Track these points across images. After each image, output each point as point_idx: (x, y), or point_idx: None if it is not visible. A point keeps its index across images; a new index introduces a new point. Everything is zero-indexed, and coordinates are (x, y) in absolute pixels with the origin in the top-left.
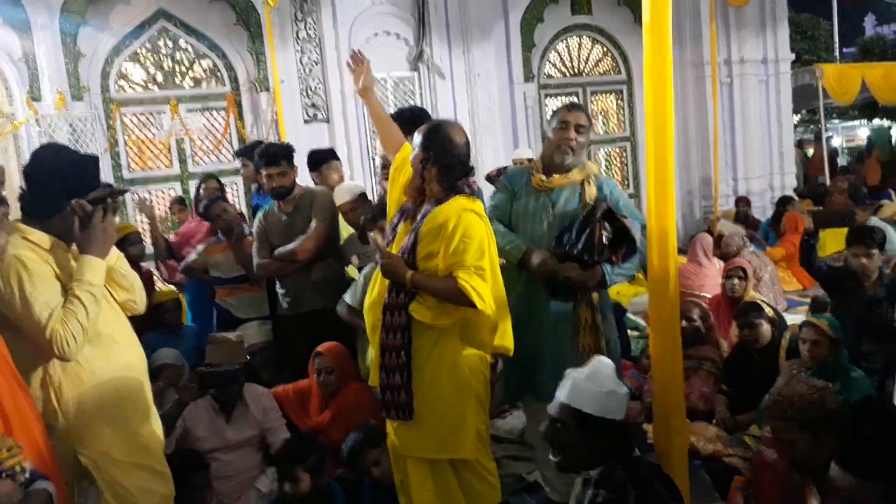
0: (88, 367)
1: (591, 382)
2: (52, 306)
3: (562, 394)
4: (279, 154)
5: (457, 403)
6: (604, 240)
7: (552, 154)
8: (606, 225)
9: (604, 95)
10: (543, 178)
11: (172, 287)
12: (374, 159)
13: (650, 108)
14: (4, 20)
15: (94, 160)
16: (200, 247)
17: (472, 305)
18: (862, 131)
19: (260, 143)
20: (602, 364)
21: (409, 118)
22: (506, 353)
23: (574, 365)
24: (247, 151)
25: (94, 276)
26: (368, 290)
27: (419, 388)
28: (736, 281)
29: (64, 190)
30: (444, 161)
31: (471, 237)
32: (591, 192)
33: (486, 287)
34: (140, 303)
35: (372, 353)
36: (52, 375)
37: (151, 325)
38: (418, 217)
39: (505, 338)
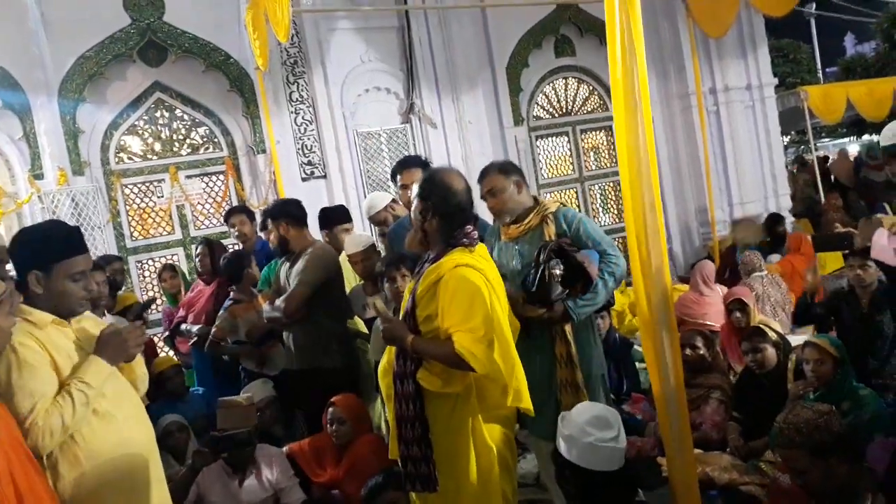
0: (86, 447)
1: (573, 431)
2: (36, 398)
3: (558, 441)
4: (267, 213)
5: (480, 471)
6: (556, 278)
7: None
8: (558, 263)
9: (593, 132)
10: (506, 230)
11: (170, 354)
12: None
13: (623, 150)
14: (5, 104)
15: (62, 229)
16: (222, 312)
17: (472, 370)
18: (853, 147)
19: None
20: (588, 409)
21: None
22: (527, 414)
23: (554, 400)
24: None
25: (95, 379)
26: (384, 356)
27: (439, 459)
28: (738, 314)
29: (30, 262)
30: (444, 210)
31: (463, 296)
32: (549, 231)
33: (482, 348)
34: (142, 388)
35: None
36: (49, 455)
37: (155, 395)
38: (418, 276)
39: (521, 397)
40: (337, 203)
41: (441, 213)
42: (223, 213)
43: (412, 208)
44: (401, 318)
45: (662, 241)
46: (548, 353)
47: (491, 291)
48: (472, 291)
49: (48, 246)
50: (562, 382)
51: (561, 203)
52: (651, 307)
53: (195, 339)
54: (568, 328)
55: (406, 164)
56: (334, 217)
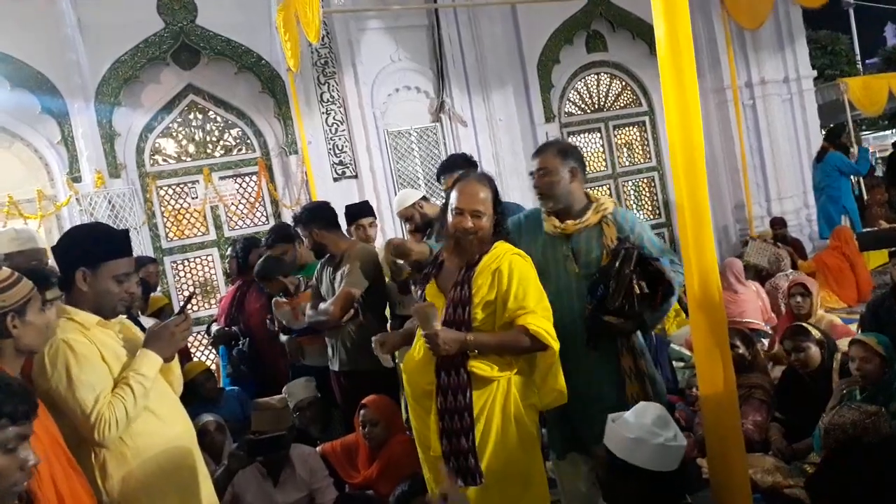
0: (133, 444)
1: (641, 433)
2: (97, 390)
3: (606, 438)
4: (297, 220)
5: (525, 458)
6: (644, 289)
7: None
8: (640, 272)
9: (627, 128)
10: (557, 223)
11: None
12: None
13: (677, 142)
14: (44, 109)
15: (111, 232)
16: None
17: (544, 348)
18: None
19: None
20: (647, 410)
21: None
22: (561, 400)
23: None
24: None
25: (149, 370)
26: (411, 352)
27: (486, 449)
28: (798, 299)
29: (79, 259)
30: (502, 213)
31: (527, 280)
32: (611, 233)
33: (551, 326)
34: (178, 388)
35: (419, 421)
36: (96, 454)
37: (189, 400)
38: (450, 271)
39: (558, 380)
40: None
41: (500, 213)
42: (266, 240)
43: (476, 216)
44: (442, 315)
45: (710, 238)
46: (613, 364)
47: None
48: (534, 276)
49: (97, 246)
50: (632, 397)
51: (614, 201)
52: (701, 303)
53: (212, 339)
54: (636, 339)
55: (451, 167)
56: (358, 212)
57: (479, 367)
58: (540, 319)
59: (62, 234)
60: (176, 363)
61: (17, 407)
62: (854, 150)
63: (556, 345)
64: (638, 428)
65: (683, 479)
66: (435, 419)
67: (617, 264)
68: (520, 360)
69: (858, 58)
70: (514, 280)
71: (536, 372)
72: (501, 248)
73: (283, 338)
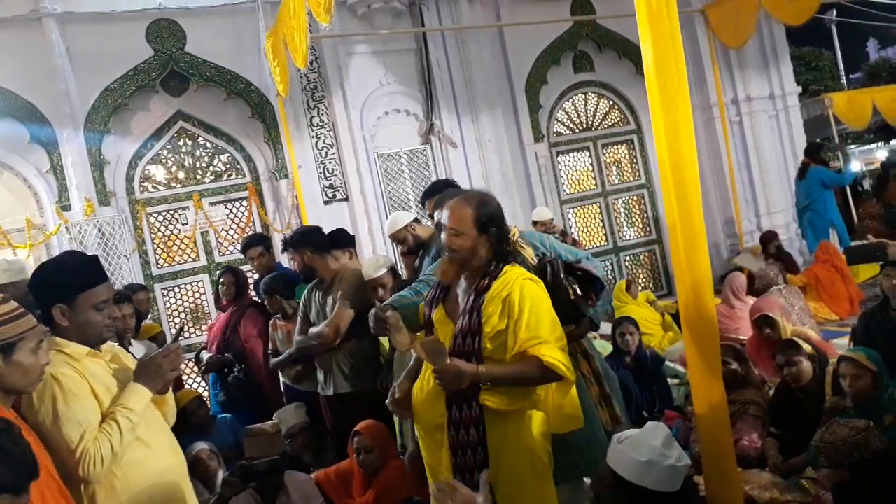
0: (122, 475)
1: (652, 455)
2: (84, 426)
3: (611, 460)
4: (288, 243)
5: (538, 488)
6: (577, 291)
7: None
8: (570, 278)
9: (615, 147)
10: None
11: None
12: None
13: (665, 157)
14: (33, 138)
15: (80, 261)
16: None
17: (559, 379)
18: (880, 153)
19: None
20: (656, 432)
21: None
22: (577, 424)
23: (595, 425)
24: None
25: (137, 404)
26: (419, 383)
27: (500, 483)
28: (768, 331)
29: (54, 296)
30: (500, 234)
31: (539, 307)
32: (528, 253)
33: (567, 356)
34: (171, 419)
35: (431, 455)
36: (86, 486)
37: (181, 428)
38: (459, 297)
39: (574, 405)
40: (360, 225)
41: (497, 238)
42: (241, 245)
43: (454, 236)
44: (449, 345)
45: (705, 254)
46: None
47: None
48: (547, 303)
49: (69, 279)
50: (594, 398)
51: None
52: (694, 321)
53: (204, 367)
54: (586, 343)
55: (433, 192)
56: (337, 239)
57: (492, 399)
58: (554, 350)
59: (32, 272)
60: (170, 394)
61: (19, 477)
62: (838, 164)
63: (571, 376)
64: (649, 451)
65: (685, 498)
66: (447, 454)
67: (549, 279)
68: (533, 389)
69: (842, 73)
70: (526, 307)
71: (550, 398)
72: (512, 273)
73: (273, 361)
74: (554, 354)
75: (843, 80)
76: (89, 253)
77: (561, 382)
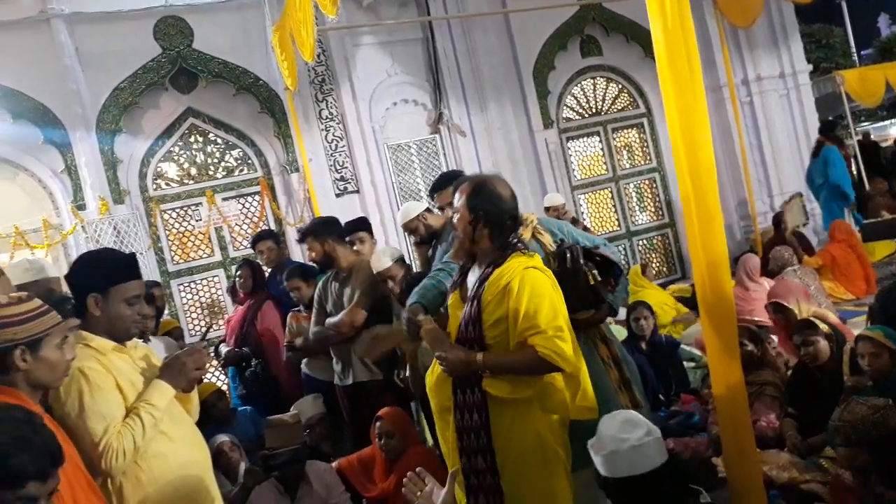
0: (147, 468)
1: (611, 444)
2: (108, 420)
3: (600, 467)
4: (308, 231)
5: (548, 478)
6: (598, 277)
7: None
8: (589, 264)
9: (625, 131)
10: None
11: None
12: None
13: (678, 140)
14: (46, 139)
15: (118, 256)
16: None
17: (558, 370)
18: (894, 129)
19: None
20: (613, 419)
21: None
22: (591, 415)
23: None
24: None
25: (160, 400)
26: (432, 367)
27: (505, 468)
28: (780, 316)
29: (90, 285)
30: (496, 219)
31: (540, 296)
32: (547, 240)
33: (567, 346)
34: (195, 413)
35: (442, 436)
36: (113, 479)
37: (202, 422)
38: (471, 283)
39: (587, 397)
40: (372, 216)
41: (493, 223)
42: (250, 240)
43: (456, 219)
44: (454, 335)
45: (721, 236)
46: (594, 357)
47: (559, 297)
48: (549, 292)
49: (107, 270)
50: (615, 383)
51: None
52: (711, 303)
53: (223, 361)
54: (604, 328)
55: (442, 185)
56: (351, 228)
57: (493, 387)
58: (550, 340)
59: (72, 262)
60: (195, 392)
61: (43, 463)
62: (852, 142)
63: (567, 367)
64: (609, 440)
65: (677, 467)
66: (453, 436)
67: (568, 265)
68: (539, 378)
69: (853, 49)
70: (525, 296)
71: (559, 390)
72: (515, 261)
73: (285, 355)
74: (548, 345)
75: (855, 57)
76: None
77: (566, 376)
